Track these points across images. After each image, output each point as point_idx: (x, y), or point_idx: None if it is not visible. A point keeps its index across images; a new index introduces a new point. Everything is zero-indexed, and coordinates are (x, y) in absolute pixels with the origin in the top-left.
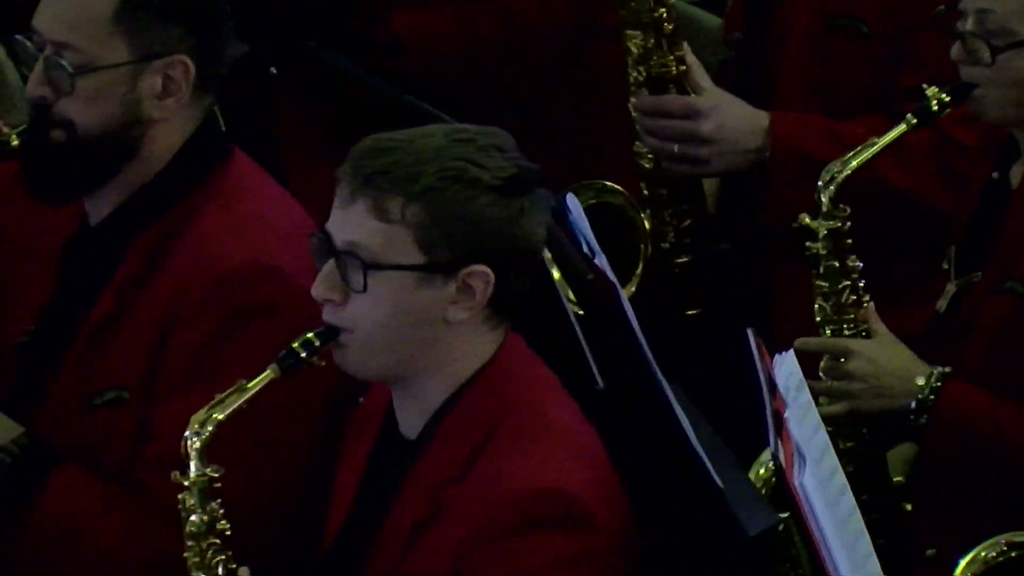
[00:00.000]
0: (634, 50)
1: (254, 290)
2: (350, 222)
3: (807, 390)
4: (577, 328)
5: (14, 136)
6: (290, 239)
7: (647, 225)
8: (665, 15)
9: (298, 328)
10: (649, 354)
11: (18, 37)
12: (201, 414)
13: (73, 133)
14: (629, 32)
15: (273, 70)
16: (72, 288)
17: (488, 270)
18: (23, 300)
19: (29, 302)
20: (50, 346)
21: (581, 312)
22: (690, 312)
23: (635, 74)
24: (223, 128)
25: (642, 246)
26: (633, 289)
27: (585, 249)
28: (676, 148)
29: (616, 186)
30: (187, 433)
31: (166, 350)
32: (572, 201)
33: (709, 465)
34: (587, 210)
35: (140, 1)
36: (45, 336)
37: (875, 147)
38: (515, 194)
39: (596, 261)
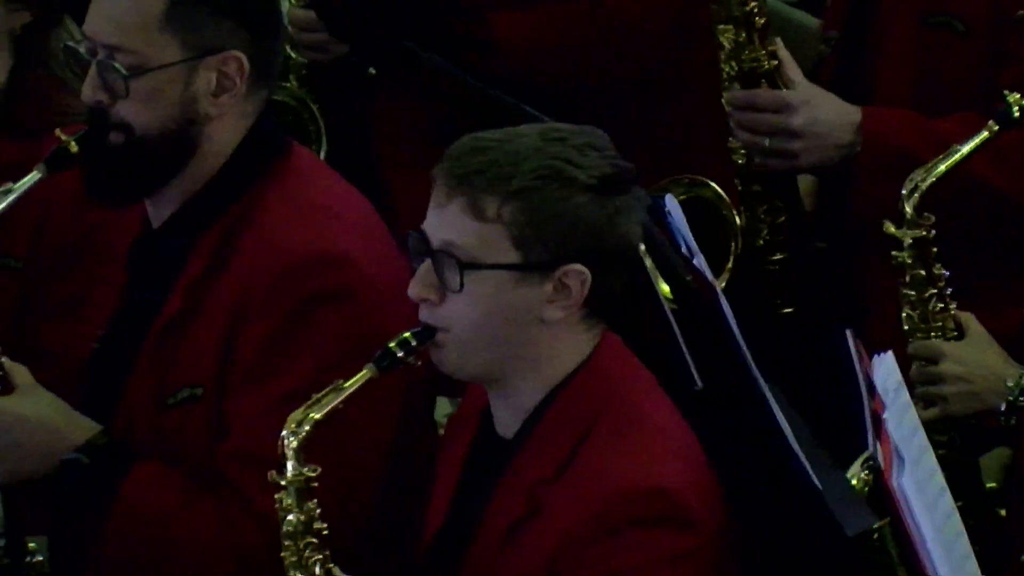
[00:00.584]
0: (726, 44)
1: (321, 278)
2: (446, 222)
3: (906, 391)
4: (675, 328)
5: (73, 143)
6: (353, 226)
7: (738, 221)
8: (756, 9)
9: (366, 315)
10: (748, 355)
11: (70, 44)
12: (298, 413)
13: (131, 135)
14: (721, 27)
15: (372, 71)
16: (140, 290)
17: (584, 269)
18: (96, 304)
19: (101, 306)
20: (122, 349)
21: (679, 312)
22: (785, 311)
23: (728, 69)
24: (321, 124)
25: (733, 243)
26: (723, 284)
27: (684, 250)
28: (767, 142)
29: (707, 180)
30: (284, 432)
31: (237, 344)
32: (671, 201)
33: (808, 465)
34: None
35: (188, 0)
36: (117, 339)
37: (958, 155)
38: (611, 193)
39: (695, 262)
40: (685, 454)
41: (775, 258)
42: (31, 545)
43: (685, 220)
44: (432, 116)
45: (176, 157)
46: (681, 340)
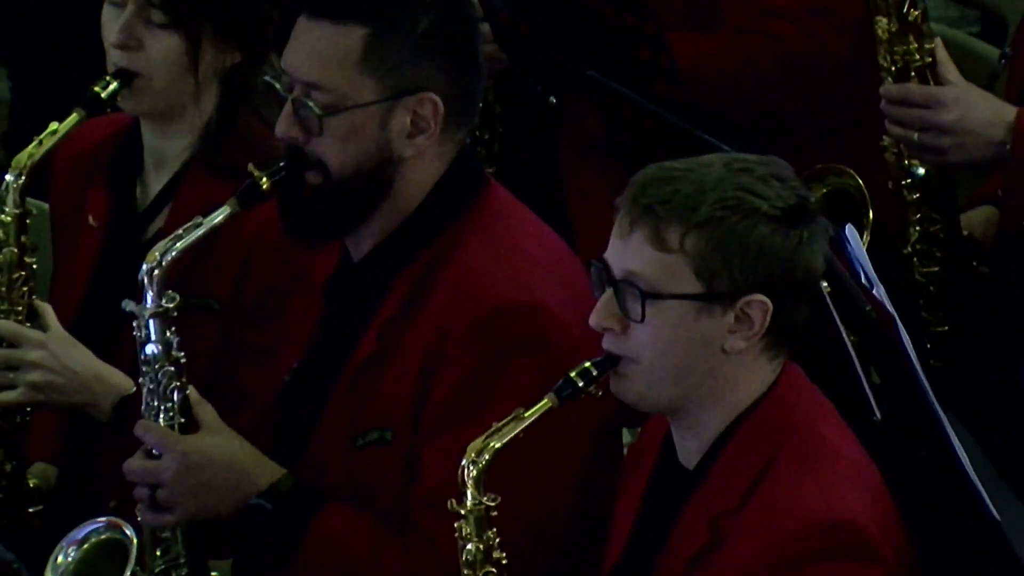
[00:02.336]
0: (881, 35)
1: (518, 326)
2: (629, 251)
3: None
4: (855, 359)
5: (265, 179)
6: (551, 272)
7: (871, 216)
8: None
9: (561, 363)
10: (927, 385)
11: (268, 79)
12: (478, 443)
13: (327, 174)
14: (877, 18)
15: (553, 100)
16: (335, 326)
17: (767, 300)
18: (291, 339)
19: (296, 340)
20: (315, 386)
21: (858, 342)
22: (937, 329)
23: (883, 62)
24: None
25: (866, 234)
26: None
27: (863, 280)
28: (916, 137)
29: (847, 168)
30: (464, 462)
31: (430, 388)
32: (851, 232)
33: (986, 496)
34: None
35: (388, 39)
36: (310, 375)
37: None
38: (794, 223)
39: (874, 292)
40: (868, 485)
41: (927, 270)
42: (213, 574)
43: (864, 249)
44: (615, 145)
45: (371, 196)
46: (860, 370)
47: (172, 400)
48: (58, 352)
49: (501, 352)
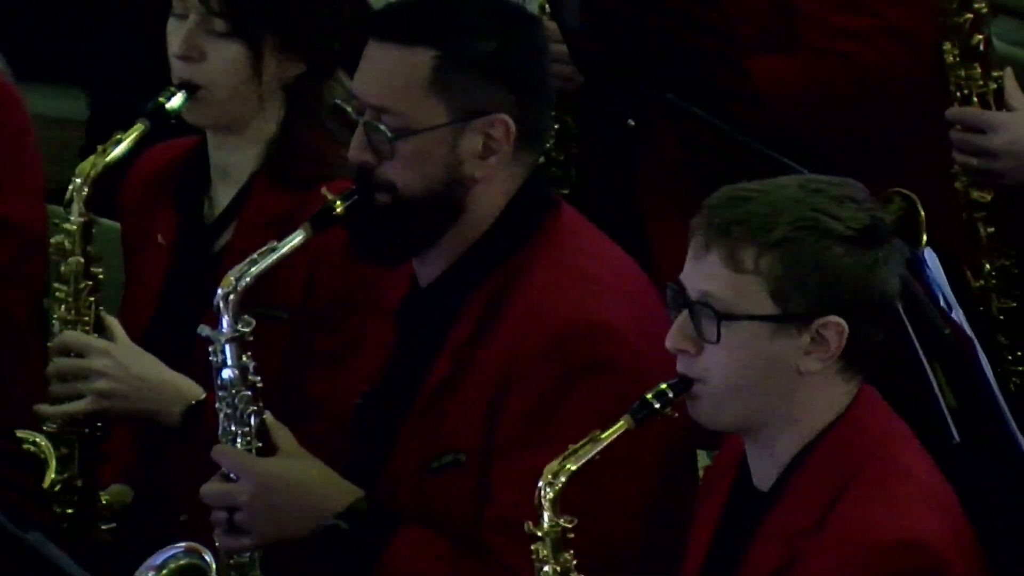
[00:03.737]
0: (948, 60)
1: (588, 348)
2: (704, 272)
3: None
4: (932, 381)
5: (339, 203)
6: (619, 293)
7: (924, 243)
8: (971, 27)
9: (630, 384)
10: (1006, 409)
11: (338, 102)
12: (554, 464)
13: (396, 196)
14: (945, 43)
15: (631, 122)
16: (408, 349)
17: (842, 321)
18: (361, 357)
19: (366, 360)
20: (390, 409)
21: (936, 365)
22: (1019, 368)
23: (952, 87)
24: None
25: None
26: None
27: (942, 303)
28: (976, 162)
29: (910, 194)
30: (540, 484)
31: (502, 411)
32: (929, 254)
33: None
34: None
35: (457, 62)
36: (384, 398)
37: None
38: (869, 245)
39: (952, 315)
40: (944, 507)
41: (1003, 305)
42: None
43: (943, 272)
44: (692, 167)
45: (442, 218)
46: (938, 393)
47: (249, 424)
48: (124, 360)
49: (570, 374)
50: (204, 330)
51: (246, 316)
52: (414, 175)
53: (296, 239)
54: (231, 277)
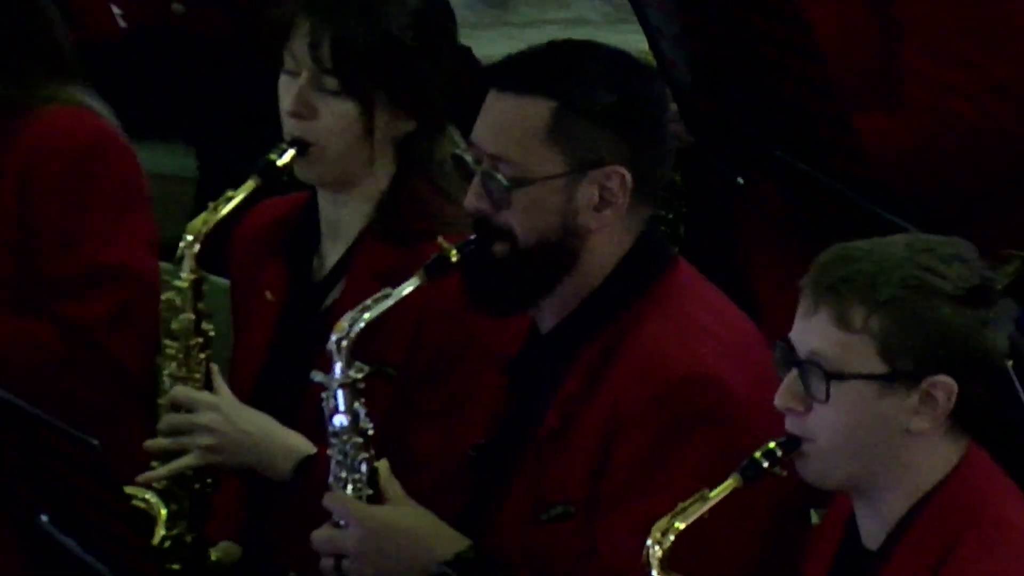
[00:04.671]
0: None
1: (696, 400)
2: (813, 331)
3: None
4: None
5: (454, 252)
6: (730, 347)
7: None
8: None
9: (737, 437)
10: None
11: (458, 152)
12: (663, 523)
13: (514, 244)
14: None
15: (740, 180)
16: (521, 401)
17: (951, 380)
18: (472, 409)
19: (478, 411)
20: (501, 460)
21: None
22: None
23: None
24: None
25: None
26: None
27: None
28: None
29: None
30: (648, 542)
31: (608, 462)
32: None
33: None
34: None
35: (575, 112)
36: (497, 450)
37: None
38: (978, 304)
39: None
40: None
41: None
42: None
43: None
44: (799, 225)
45: (556, 268)
46: None
47: (360, 471)
48: (230, 414)
49: (677, 425)
50: (317, 375)
51: (358, 362)
52: (529, 224)
53: (410, 286)
54: (344, 323)
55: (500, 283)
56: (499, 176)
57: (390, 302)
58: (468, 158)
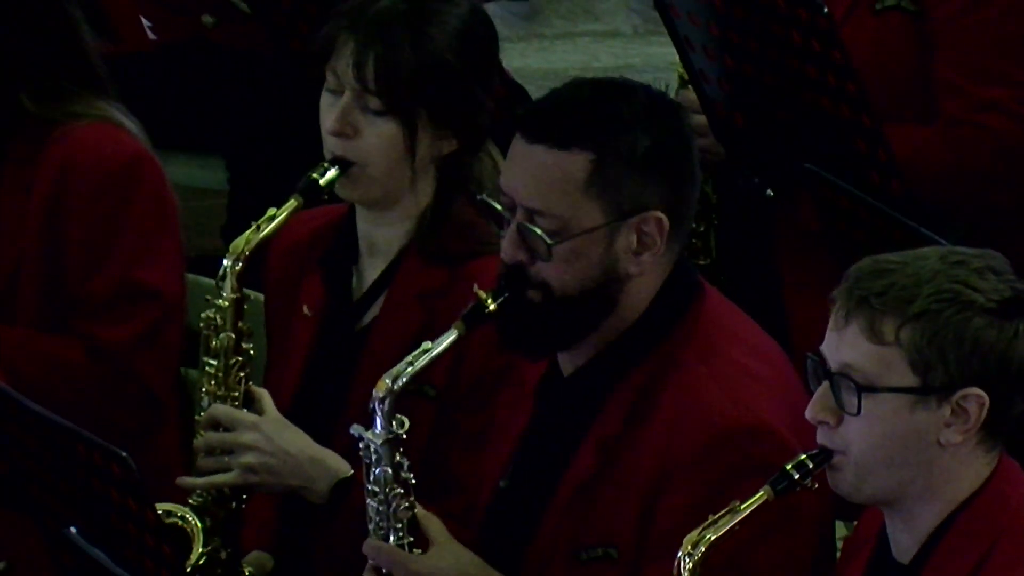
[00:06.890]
0: None
1: (747, 450)
2: (844, 344)
3: None
4: None
5: (490, 300)
6: (771, 387)
7: None
8: None
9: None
10: None
11: (482, 197)
12: (694, 535)
13: (550, 293)
14: None
15: (770, 192)
16: (547, 433)
17: (983, 393)
18: (503, 434)
19: (506, 435)
20: (532, 494)
21: None
22: None
23: None
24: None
25: None
26: None
27: None
28: None
29: None
30: (679, 554)
31: (657, 511)
32: None
33: None
34: None
35: (612, 162)
36: (526, 482)
37: None
38: (1011, 316)
39: None
40: None
41: None
42: None
43: None
44: (831, 237)
45: (595, 314)
46: None
47: (402, 521)
48: (272, 434)
49: (729, 476)
50: (357, 430)
51: (400, 416)
52: (570, 275)
53: (450, 338)
54: (387, 380)
55: (537, 330)
56: (539, 232)
57: (430, 357)
58: (498, 206)
